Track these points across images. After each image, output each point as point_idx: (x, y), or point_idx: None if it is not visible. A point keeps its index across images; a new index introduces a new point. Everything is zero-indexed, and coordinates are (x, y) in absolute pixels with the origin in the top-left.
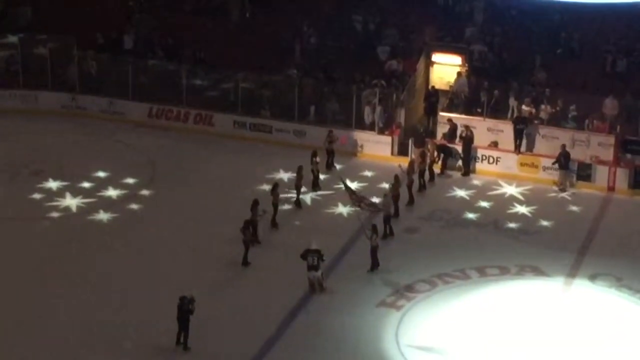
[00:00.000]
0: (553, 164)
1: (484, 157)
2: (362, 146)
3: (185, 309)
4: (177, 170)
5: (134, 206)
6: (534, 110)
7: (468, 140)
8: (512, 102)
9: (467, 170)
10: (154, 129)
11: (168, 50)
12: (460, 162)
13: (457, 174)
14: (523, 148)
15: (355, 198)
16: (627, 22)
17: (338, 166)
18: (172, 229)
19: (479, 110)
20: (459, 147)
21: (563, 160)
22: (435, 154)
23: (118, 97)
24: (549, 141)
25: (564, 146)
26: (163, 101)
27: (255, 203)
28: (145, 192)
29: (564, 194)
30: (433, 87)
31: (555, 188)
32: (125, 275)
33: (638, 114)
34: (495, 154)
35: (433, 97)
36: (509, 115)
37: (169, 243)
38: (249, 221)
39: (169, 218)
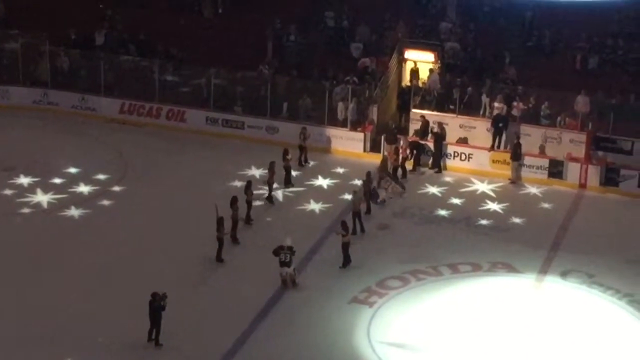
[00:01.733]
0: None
1: (456, 154)
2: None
3: (156, 306)
4: (149, 167)
5: (106, 202)
6: (504, 107)
7: (439, 137)
8: (484, 99)
9: (438, 166)
10: (125, 124)
11: (140, 46)
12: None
13: (429, 171)
14: (501, 146)
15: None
16: (598, 20)
17: (311, 162)
18: (143, 226)
19: (452, 107)
20: (431, 144)
21: (514, 151)
22: (408, 150)
23: (90, 92)
24: (522, 138)
25: (517, 137)
26: (135, 97)
27: (234, 200)
28: (116, 188)
29: (534, 190)
30: (407, 84)
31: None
32: (96, 271)
33: (610, 111)
34: (467, 150)
35: (407, 95)
36: (482, 112)
37: (141, 239)
38: (222, 218)
39: (141, 214)
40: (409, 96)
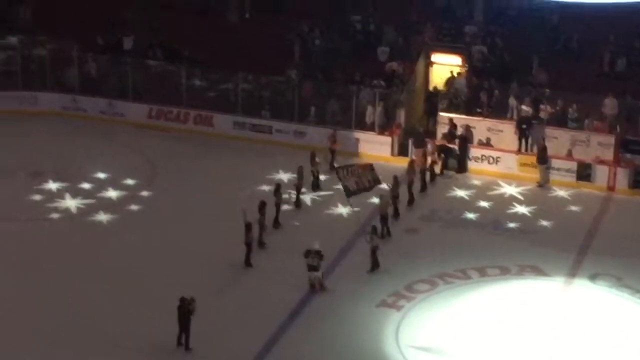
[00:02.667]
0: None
1: (483, 157)
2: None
3: (185, 310)
4: (176, 171)
5: (134, 207)
6: (532, 111)
7: (464, 139)
8: (512, 101)
9: (463, 167)
10: (154, 129)
11: (167, 52)
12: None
13: (456, 174)
14: (528, 149)
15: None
16: (626, 22)
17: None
18: (171, 230)
19: (479, 110)
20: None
21: (541, 154)
22: (436, 154)
23: (118, 98)
24: (550, 141)
25: (542, 140)
26: (163, 102)
27: (262, 204)
28: (145, 193)
29: (562, 193)
30: (435, 87)
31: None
32: (125, 276)
33: (638, 114)
34: (495, 154)
35: (434, 99)
36: (509, 115)
37: (169, 244)
38: (250, 223)
39: (169, 219)
40: (436, 99)
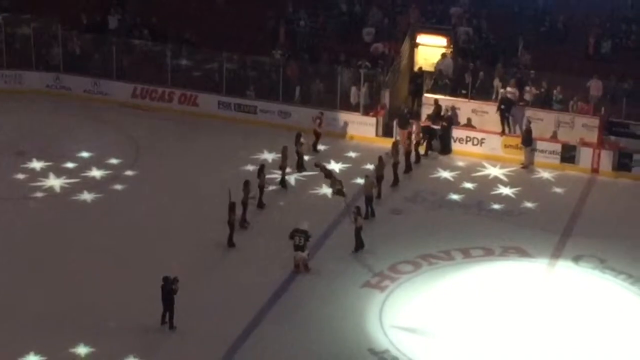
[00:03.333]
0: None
1: (468, 139)
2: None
3: (168, 289)
4: (161, 151)
5: (118, 187)
6: (517, 92)
7: (448, 120)
8: (497, 83)
9: (447, 149)
10: (138, 109)
11: (153, 31)
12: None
13: (440, 156)
14: (512, 130)
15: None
16: (611, 4)
17: (322, 147)
18: (156, 210)
19: (464, 91)
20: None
21: (526, 136)
22: (421, 135)
23: (102, 77)
24: (534, 123)
25: (528, 122)
26: (147, 81)
27: (246, 184)
28: (129, 172)
29: (546, 175)
30: (420, 68)
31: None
32: (109, 255)
33: (622, 96)
34: (479, 135)
35: (419, 79)
36: (493, 96)
37: (153, 223)
38: (234, 203)
39: (153, 199)
40: (421, 80)
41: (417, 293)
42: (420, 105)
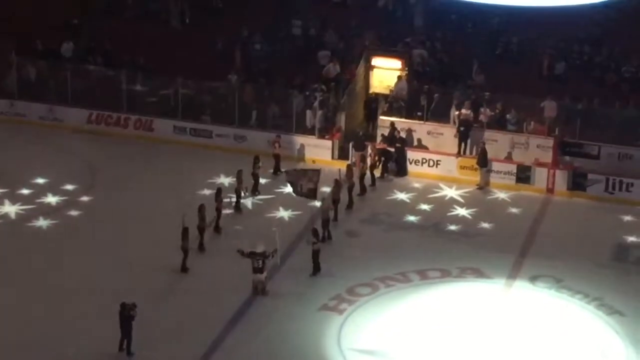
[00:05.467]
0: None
1: (424, 160)
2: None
3: (126, 315)
4: (117, 176)
5: (74, 212)
6: (471, 114)
7: (403, 142)
8: (453, 112)
9: (402, 171)
10: (93, 134)
11: (107, 57)
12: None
13: (396, 178)
14: (467, 152)
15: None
16: (564, 26)
17: (283, 170)
18: (112, 235)
19: (419, 114)
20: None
21: (481, 157)
22: (376, 157)
23: (57, 103)
24: (489, 144)
25: (482, 143)
26: (103, 107)
27: (201, 208)
28: (85, 198)
29: (502, 195)
30: (374, 92)
31: (476, 187)
32: (65, 282)
33: (576, 117)
34: (435, 157)
35: (373, 103)
36: (451, 122)
37: (109, 250)
38: (187, 229)
39: (109, 224)
40: (375, 105)
41: (375, 315)
42: (375, 128)
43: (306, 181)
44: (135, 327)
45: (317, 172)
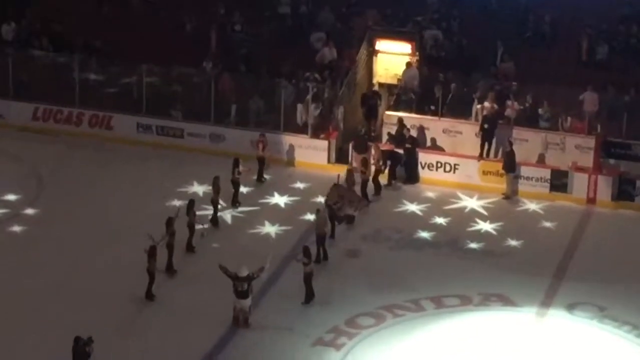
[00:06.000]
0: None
1: (439, 165)
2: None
3: (81, 351)
4: (68, 184)
5: (16, 228)
6: (496, 108)
7: (412, 142)
8: (475, 107)
9: (413, 177)
10: (40, 134)
11: (56, 40)
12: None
13: (405, 185)
14: (491, 154)
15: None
16: (607, 1)
17: (267, 177)
18: (63, 256)
19: (433, 108)
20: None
21: (507, 160)
22: (381, 161)
23: None
24: (518, 145)
25: (509, 144)
26: (51, 100)
27: (170, 222)
28: (29, 211)
29: (533, 207)
30: (374, 86)
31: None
32: (8, 314)
33: (622, 111)
34: (452, 160)
35: (372, 100)
36: (473, 118)
37: (60, 272)
38: (155, 247)
39: (59, 243)
40: (374, 102)
41: (380, 352)
42: (374, 128)
43: (348, 204)
44: None
45: (366, 205)
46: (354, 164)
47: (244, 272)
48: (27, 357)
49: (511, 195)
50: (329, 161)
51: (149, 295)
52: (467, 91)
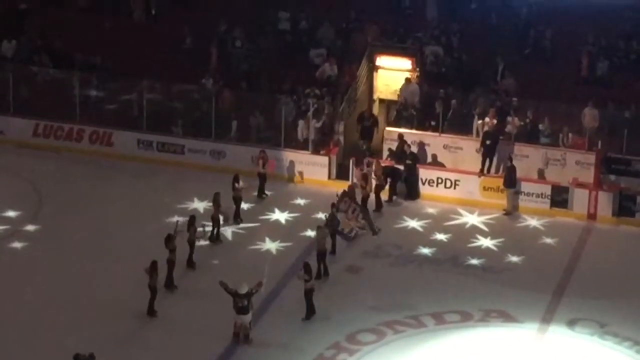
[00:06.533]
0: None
1: (439, 180)
2: (300, 173)
3: None
4: (69, 201)
5: (17, 245)
6: (496, 124)
7: (413, 158)
8: (476, 122)
9: (414, 193)
10: (41, 150)
11: (56, 56)
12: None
13: (405, 201)
14: (492, 170)
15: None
16: (608, 18)
17: (268, 193)
18: (63, 272)
19: (434, 124)
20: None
21: (508, 176)
22: (382, 177)
23: None
24: (518, 161)
25: (510, 160)
26: (52, 117)
27: (169, 239)
28: (30, 227)
29: (534, 223)
30: (369, 111)
31: (503, 212)
32: (8, 330)
33: (623, 127)
34: (453, 176)
35: (366, 122)
36: (474, 134)
37: (60, 289)
38: (156, 262)
39: (60, 258)
40: (370, 123)
41: None
42: (369, 150)
43: (356, 218)
44: None
45: (374, 234)
46: (355, 181)
47: (244, 289)
48: None
49: (512, 211)
50: (329, 177)
51: (151, 311)
52: (468, 107)
